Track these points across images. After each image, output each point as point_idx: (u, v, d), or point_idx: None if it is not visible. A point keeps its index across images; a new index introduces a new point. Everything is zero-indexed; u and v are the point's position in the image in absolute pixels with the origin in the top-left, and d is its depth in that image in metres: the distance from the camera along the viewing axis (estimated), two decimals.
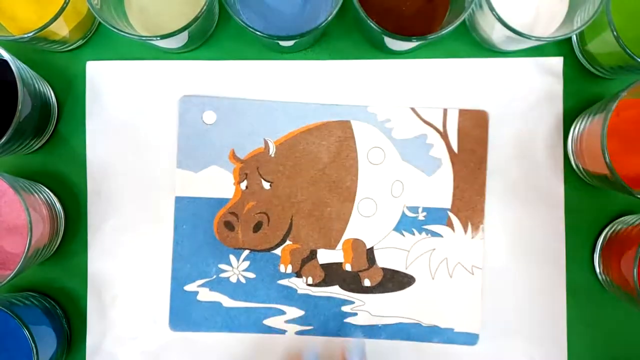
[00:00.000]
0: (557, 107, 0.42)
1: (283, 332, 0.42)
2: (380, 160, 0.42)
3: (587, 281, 0.42)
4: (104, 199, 0.42)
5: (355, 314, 0.41)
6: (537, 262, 0.42)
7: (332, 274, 0.42)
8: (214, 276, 0.42)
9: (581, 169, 0.41)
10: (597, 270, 0.42)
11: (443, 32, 0.34)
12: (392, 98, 0.42)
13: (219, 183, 0.41)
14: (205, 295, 0.42)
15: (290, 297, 0.42)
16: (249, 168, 0.41)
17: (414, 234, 0.42)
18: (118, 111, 0.42)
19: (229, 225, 0.41)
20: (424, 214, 0.42)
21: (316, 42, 0.42)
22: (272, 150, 0.42)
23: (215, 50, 0.42)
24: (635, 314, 0.42)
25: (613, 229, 0.41)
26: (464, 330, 0.41)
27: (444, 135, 0.41)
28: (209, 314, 0.42)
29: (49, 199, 0.41)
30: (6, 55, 0.36)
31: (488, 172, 0.42)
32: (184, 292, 0.42)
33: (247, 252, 0.42)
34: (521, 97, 0.42)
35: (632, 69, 0.38)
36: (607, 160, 0.34)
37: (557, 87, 0.42)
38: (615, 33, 0.35)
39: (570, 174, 0.42)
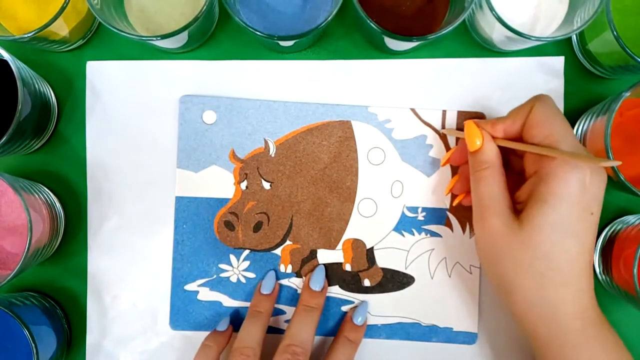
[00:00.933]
0: (559, 107, 0.42)
1: (282, 331, 0.42)
2: (380, 160, 0.42)
3: None
4: (104, 199, 0.42)
5: None
6: None
7: (332, 274, 0.42)
8: (214, 276, 0.42)
9: None
10: (597, 270, 0.42)
11: (443, 32, 0.34)
12: (392, 98, 0.42)
13: (219, 183, 0.41)
14: (206, 294, 0.42)
15: (290, 297, 0.42)
16: (249, 168, 0.41)
17: (413, 234, 0.42)
18: (118, 111, 0.42)
19: (229, 225, 0.41)
20: (424, 214, 0.42)
21: (316, 42, 0.42)
22: (272, 150, 0.42)
23: (215, 50, 0.42)
24: (635, 314, 0.42)
25: (613, 229, 0.41)
26: (463, 329, 0.41)
27: (443, 136, 0.41)
28: (209, 314, 0.42)
29: (49, 199, 0.41)
30: (6, 55, 0.36)
31: None
32: (184, 291, 0.42)
33: (247, 251, 0.42)
34: (522, 97, 0.41)
35: (633, 69, 0.38)
36: (611, 159, 0.35)
37: (558, 86, 0.42)
38: (615, 33, 0.35)
39: None
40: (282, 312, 0.42)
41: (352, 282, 0.42)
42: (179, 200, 0.42)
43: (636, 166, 0.38)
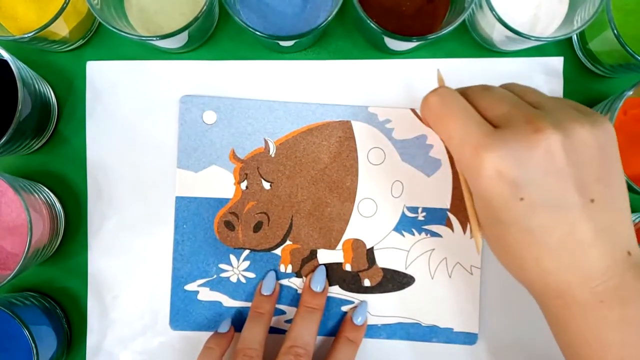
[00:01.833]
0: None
1: (283, 332, 0.42)
2: (380, 160, 0.42)
3: None
4: (104, 199, 0.42)
5: None
6: None
7: (332, 274, 0.42)
8: (215, 276, 0.42)
9: None
10: None
11: (443, 32, 0.34)
12: (392, 98, 0.42)
13: (219, 183, 0.41)
14: (206, 294, 0.42)
15: (291, 297, 0.42)
16: (249, 168, 0.41)
17: (413, 234, 0.42)
18: (118, 111, 0.42)
19: (229, 225, 0.41)
20: (424, 214, 0.42)
21: (316, 42, 0.42)
22: (272, 150, 0.42)
23: (215, 50, 0.42)
24: None
25: None
26: (463, 330, 0.41)
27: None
28: (210, 314, 0.42)
29: (49, 199, 0.41)
30: (6, 55, 0.36)
31: None
32: (184, 291, 0.42)
33: (247, 252, 0.42)
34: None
35: (633, 68, 0.38)
36: None
37: (557, 87, 0.42)
38: (615, 31, 0.35)
39: None
40: (283, 312, 0.42)
41: (352, 282, 0.42)
42: (179, 200, 0.42)
43: (638, 165, 0.38)
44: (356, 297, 0.42)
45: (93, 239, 0.42)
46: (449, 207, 0.42)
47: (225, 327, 0.40)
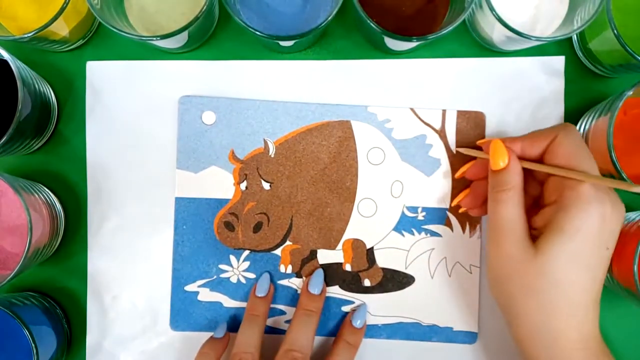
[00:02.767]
0: (559, 107, 0.42)
1: (282, 331, 0.42)
2: (380, 160, 0.42)
3: None
4: (104, 199, 0.42)
5: None
6: None
7: (332, 274, 0.42)
8: (215, 276, 0.42)
9: None
10: None
11: (443, 32, 0.34)
12: (392, 98, 0.42)
13: (218, 183, 0.41)
14: (206, 295, 0.42)
15: (291, 297, 0.42)
16: (249, 168, 0.41)
17: (413, 234, 0.42)
18: (118, 111, 0.42)
19: (229, 226, 0.41)
20: (424, 214, 0.42)
21: (316, 42, 0.42)
22: (271, 151, 0.42)
23: (215, 50, 0.42)
24: (635, 310, 0.42)
25: None
26: (463, 329, 0.41)
27: (442, 136, 0.41)
28: (210, 314, 0.42)
29: (49, 199, 0.41)
30: (6, 55, 0.36)
31: None
32: (184, 292, 0.42)
33: (247, 252, 0.42)
34: (522, 97, 0.42)
35: (633, 67, 0.38)
36: (614, 158, 0.35)
37: (558, 86, 0.42)
38: (615, 31, 0.35)
39: None
40: (283, 313, 0.42)
41: (352, 282, 0.42)
42: (179, 201, 0.42)
43: (638, 165, 0.38)
44: (356, 297, 0.42)
45: (93, 239, 0.42)
46: (448, 206, 0.42)
47: (220, 332, 0.40)
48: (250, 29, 0.35)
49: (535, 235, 0.34)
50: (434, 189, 0.42)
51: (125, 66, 0.42)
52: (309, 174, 0.42)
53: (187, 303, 0.42)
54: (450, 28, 0.34)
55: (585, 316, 0.33)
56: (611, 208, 0.32)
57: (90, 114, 0.42)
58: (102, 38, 0.43)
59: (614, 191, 0.34)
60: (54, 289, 0.43)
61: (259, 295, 0.40)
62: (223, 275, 0.42)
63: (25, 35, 0.36)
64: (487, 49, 0.42)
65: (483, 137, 0.41)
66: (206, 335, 0.40)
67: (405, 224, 0.42)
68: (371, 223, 0.42)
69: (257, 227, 0.41)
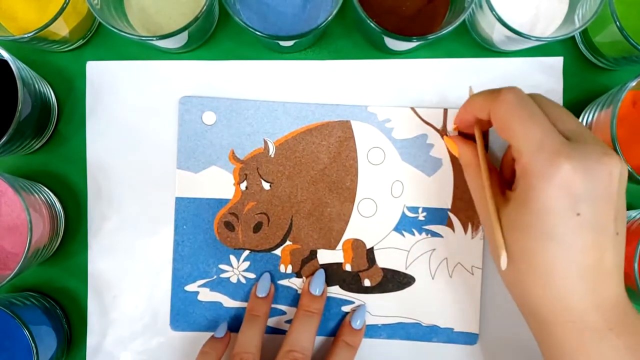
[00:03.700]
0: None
1: (283, 332, 0.42)
2: (380, 160, 0.42)
3: None
4: (104, 199, 0.42)
5: None
6: None
7: (332, 274, 0.42)
8: (215, 276, 0.42)
9: None
10: None
11: (443, 32, 0.34)
12: (392, 98, 0.42)
13: (219, 183, 0.41)
14: (206, 295, 0.42)
15: (291, 297, 0.42)
16: (249, 168, 0.41)
17: (414, 234, 0.42)
18: (118, 111, 0.42)
19: (229, 226, 0.41)
20: (424, 214, 0.42)
21: (316, 42, 0.42)
22: (271, 151, 0.42)
23: (215, 50, 0.42)
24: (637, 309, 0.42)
25: None
26: (464, 330, 0.41)
27: (444, 136, 0.41)
28: (210, 314, 0.42)
29: (49, 199, 0.41)
30: (6, 55, 0.36)
31: None
32: (184, 292, 0.42)
33: (247, 252, 0.42)
34: None
35: (636, 60, 0.38)
36: (618, 150, 0.35)
37: (557, 86, 0.42)
38: (618, 23, 0.35)
39: None
40: (283, 313, 0.42)
41: (352, 282, 0.42)
42: (179, 201, 0.42)
43: None
44: (356, 297, 0.42)
45: (93, 239, 0.42)
46: (449, 207, 0.41)
47: (221, 332, 0.40)
48: (250, 29, 0.35)
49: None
50: (435, 189, 0.41)
51: (126, 66, 0.42)
52: (309, 174, 0.41)
53: (187, 303, 0.42)
54: (450, 28, 0.34)
55: (561, 288, 0.30)
56: (571, 173, 0.28)
57: (90, 114, 0.42)
58: (102, 38, 0.43)
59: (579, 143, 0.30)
60: (54, 289, 0.43)
61: (260, 296, 0.40)
62: (223, 275, 0.42)
63: (25, 35, 0.36)
64: (487, 49, 0.42)
65: (456, 147, 0.40)
66: (206, 335, 0.40)
67: (406, 224, 0.42)
68: (371, 223, 0.42)
69: (257, 227, 0.41)
